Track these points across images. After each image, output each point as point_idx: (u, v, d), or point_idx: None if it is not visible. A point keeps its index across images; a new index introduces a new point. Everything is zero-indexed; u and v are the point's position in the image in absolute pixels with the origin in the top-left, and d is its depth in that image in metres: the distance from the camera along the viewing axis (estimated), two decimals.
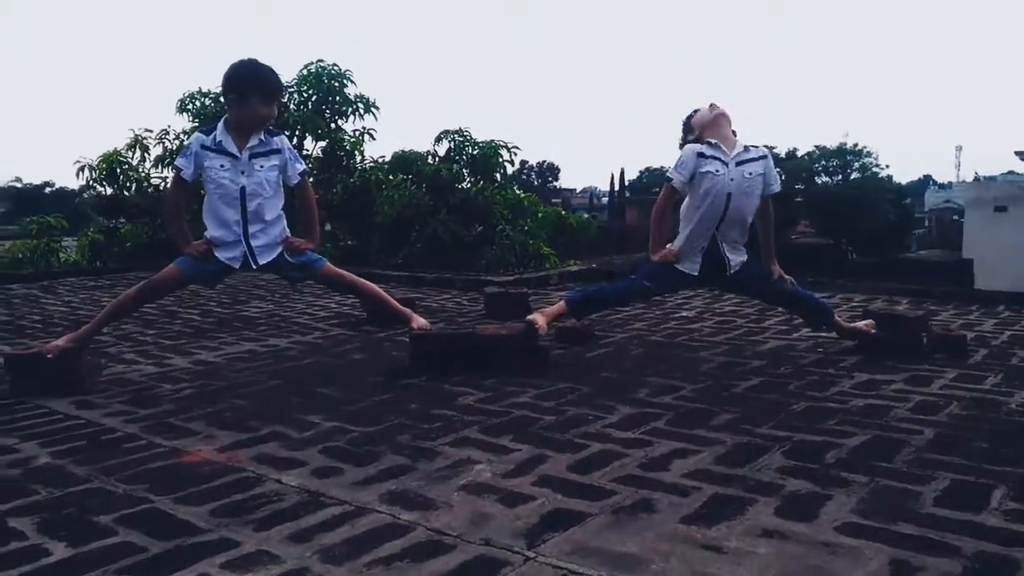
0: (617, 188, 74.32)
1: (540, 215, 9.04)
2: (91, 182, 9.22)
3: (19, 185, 78.44)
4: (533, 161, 74.58)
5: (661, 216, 3.84)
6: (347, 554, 1.79)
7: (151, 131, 9.42)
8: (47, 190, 75.69)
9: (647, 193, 69.82)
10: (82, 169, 9.23)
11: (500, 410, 2.96)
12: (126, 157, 9.33)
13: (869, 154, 49.93)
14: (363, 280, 4.03)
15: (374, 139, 10.19)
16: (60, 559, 1.79)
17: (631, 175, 79.84)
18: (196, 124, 9.46)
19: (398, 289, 6.81)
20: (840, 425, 2.69)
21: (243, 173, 3.50)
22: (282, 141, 3.62)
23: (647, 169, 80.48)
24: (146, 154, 9.39)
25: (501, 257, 7.80)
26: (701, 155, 3.69)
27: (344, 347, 4.31)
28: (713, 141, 3.70)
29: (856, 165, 49.04)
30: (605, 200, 78.54)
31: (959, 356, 3.74)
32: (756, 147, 3.79)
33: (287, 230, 3.72)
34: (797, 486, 2.14)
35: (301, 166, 3.70)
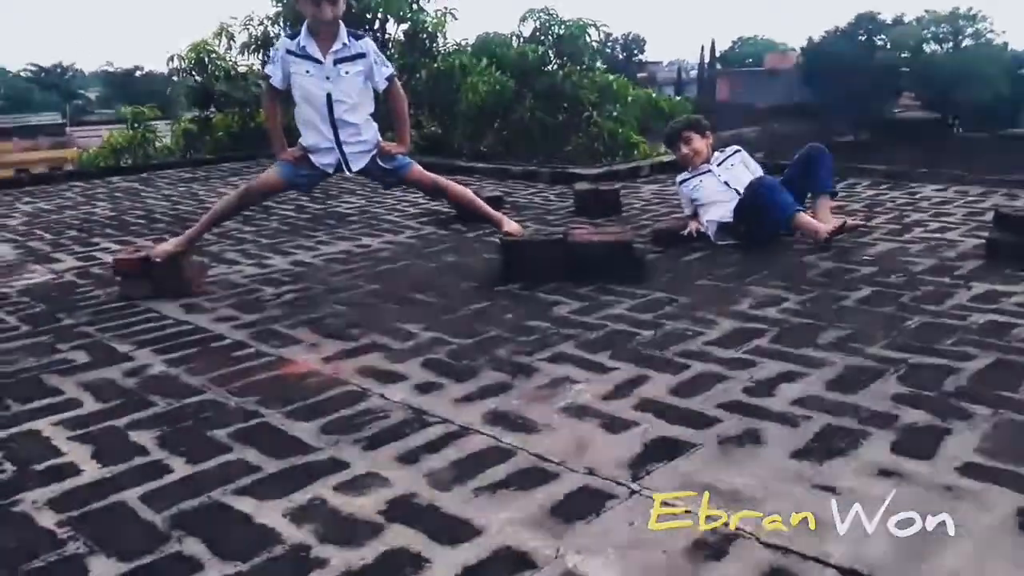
0: (708, 60, 70.91)
1: (630, 99, 8.68)
2: (181, 73, 9.30)
3: (110, 69, 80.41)
4: (618, 34, 71.38)
5: None
6: (454, 478, 1.82)
7: (235, 18, 9.38)
8: (137, 74, 77.48)
9: (740, 65, 66.52)
10: (171, 59, 9.31)
11: (596, 323, 2.92)
12: (213, 46, 9.34)
13: (984, 19, 45.82)
14: (453, 183, 3.96)
15: (456, 19, 9.88)
16: (182, 476, 1.88)
17: (722, 46, 75.90)
18: (280, 9, 9.35)
19: (484, 182, 6.74)
20: (959, 346, 2.54)
21: (328, 79, 3.42)
22: (367, 44, 3.49)
23: (740, 39, 76.27)
24: (232, 42, 9.37)
25: (588, 146, 7.58)
26: None
27: (436, 248, 4.31)
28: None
29: (969, 31, 45.18)
30: (694, 73, 75.15)
31: None
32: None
33: (379, 135, 3.66)
34: (915, 417, 2.05)
35: (388, 70, 3.59)
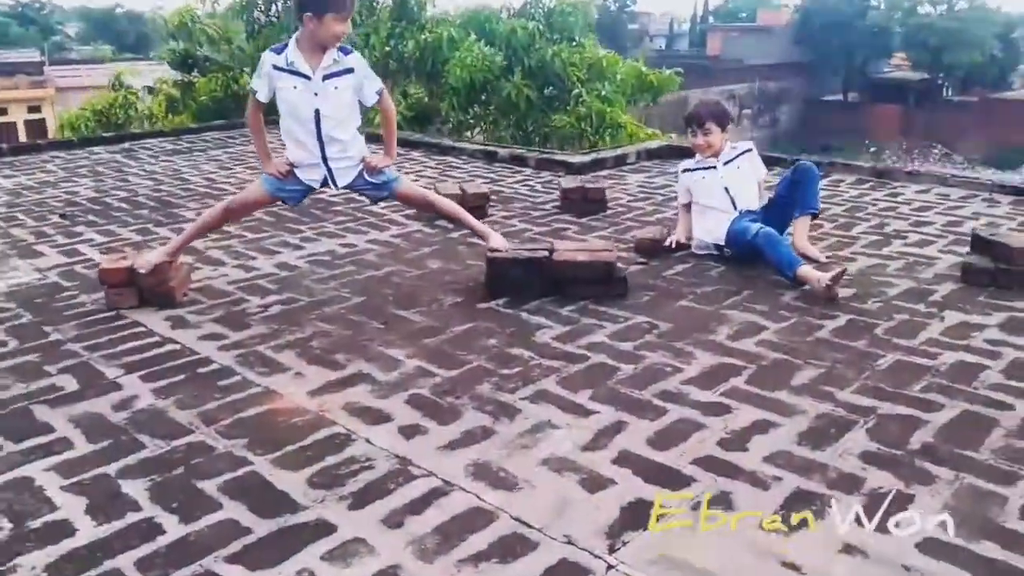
0: (700, 14, 69.95)
1: (619, 77, 8.61)
2: (165, 36, 9.13)
3: (90, 6, 78.23)
4: None
5: None
6: (438, 547, 1.90)
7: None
8: (117, 10, 75.44)
9: (733, 20, 65.68)
10: (154, 20, 9.11)
11: (577, 352, 2.98)
12: (196, 10, 9.15)
13: None
14: (442, 199, 3.97)
15: None
16: (174, 539, 1.94)
17: (716, 1, 74.77)
18: None
19: (471, 166, 6.73)
20: (928, 392, 2.63)
21: (316, 95, 3.39)
22: (356, 59, 3.45)
23: None
24: (216, 5, 9.19)
25: (576, 125, 7.55)
26: None
27: (420, 251, 4.34)
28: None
29: None
30: (686, 27, 74.18)
31: None
32: None
33: (365, 149, 3.65)
34: (880, 480, 2.14)
35: (377, 84, 3.55)
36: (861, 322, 3.24)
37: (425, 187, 5.22)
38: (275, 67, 3.39)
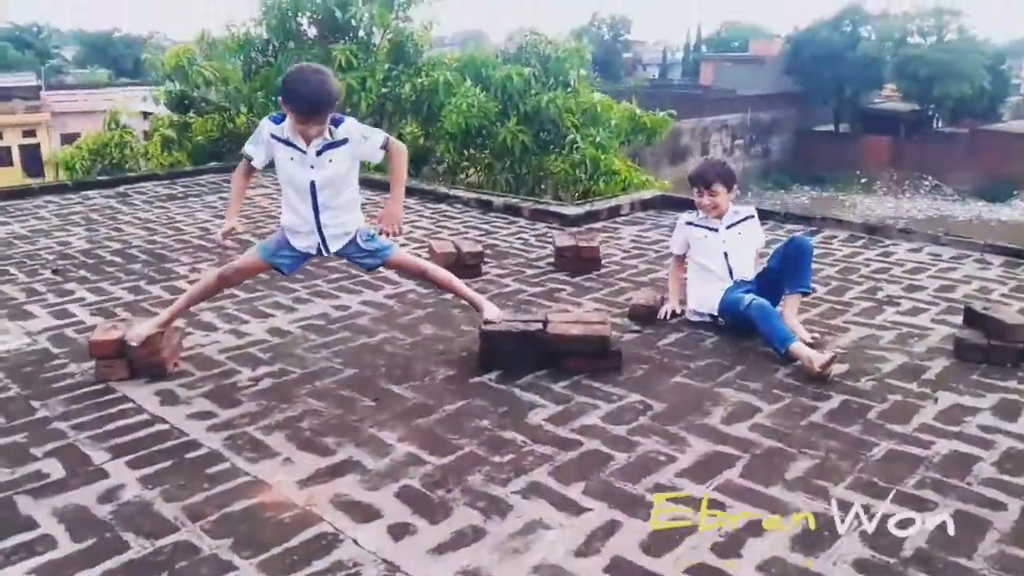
0: (693, 43, 70.68)
1: (613, 123, 8.67)
2: (160, 79, 9.18)
3: (88, 30, 78.73)
4: (604, 14, 70.84)
5: None
6: None
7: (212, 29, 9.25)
8: (115, 36, 75.91)
9: (726, 49, 66.29)
10: (151, 64, 9.17)
11: (571, 438, 2.96)
12: (194, 53, 9.20)
13: (969, 15, 45.98)
14: (436, 268, 3.96)
15: (441, 26, 9.85)
16: None
17: (709, 29, 75.68)
18: (263, 14, 9.21)
19: (465, 215, 6.74)
20: (921, 488, 2.61)
21: (312, 167, 3.39)
22: (348, 130, 3.42)
23: (726, 23, 76.01)
24: (212, 47, 9.24)
25: (570, 172, 7.58)
26: None
27: (414, 314, 4.32)
28: None
29: (953, 26, 45.30)
30: (679, 55, 74.90)
31: None
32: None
33: (361, 218, 3.64)
34: None
35: (379, 138, 3.45)
36: (855, 404, 3.22)
37: (417, 250, 5.24)
38: (273, 135, 3.38)
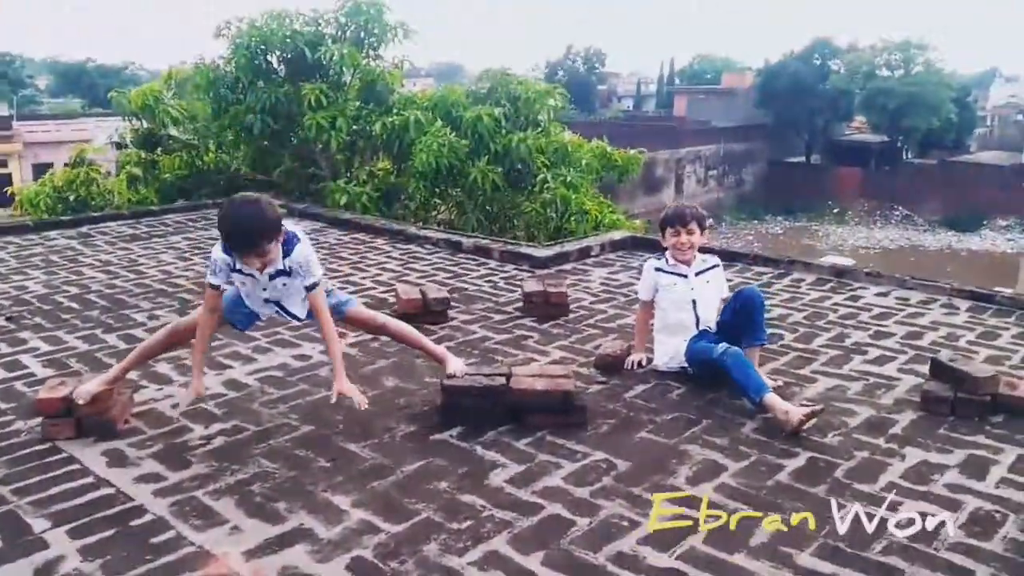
0: (667, 76, 71.67)
1: (584, 163, 8.68)
2: (126, 117, 9.07)
3: (61, 59, 78.36)
4: (579, 46, 71.78)
5: None
6: None
7: (185, 62, 9.19)
8: (89, 65, 75.59)
9: (698, 81, 67.28)
10: (118, 103, 9.08)
11: (531, 502, 2.87)
12: (160, 92, 9.12)
13: (934, 49, 47.05)
14: (394, 321, 3.88)
15: (413, 65, 9.85)
16: None
17: (682, 62, 76.85)
18: (233, 55, 9.16)
19: (435, 256, 6.67)
20: (888, 555, 2.55)
21: (265, 289, 3.35)
22: (296, 258, 3.25)
23: (699, 56, 77.27)
24: (178, 88, 9.18)
25: (541, 212, 7.56)
26: None
27: (377, 364, 4.24)
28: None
29: (920, 60, 46.34)
30: (653, 87, 75.92)
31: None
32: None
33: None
34: None
35: (311, 278, 3.30)
36: (822, 462, 3.17)
37: (384, 293, 5.18)
38: (226, 264, 3.25)
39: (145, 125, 9.33)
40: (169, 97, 9.22)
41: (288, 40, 8.77)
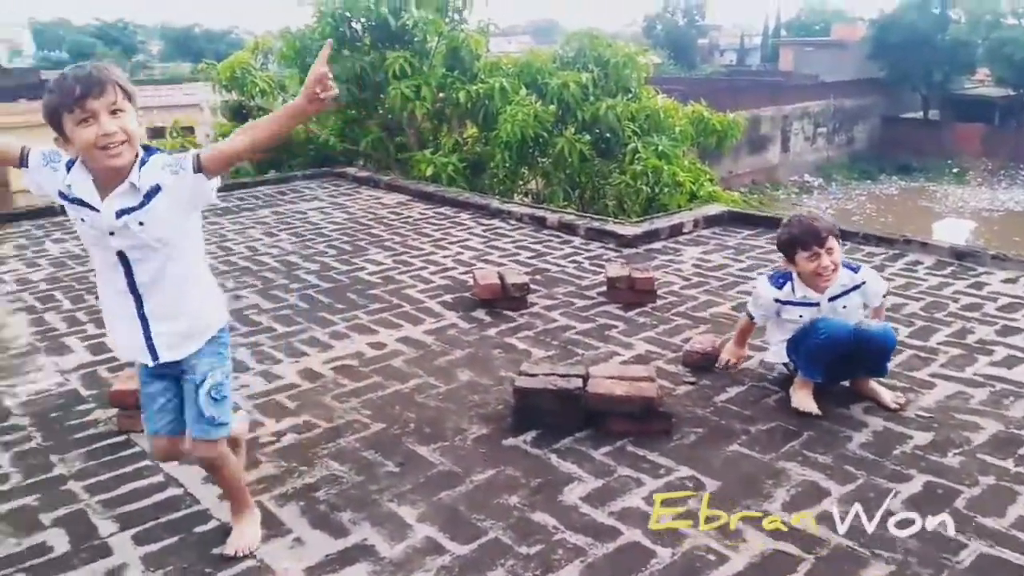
0: (772, 28, 68.44)
1: (678, 129, 8.23)
2: (216, 88, 9.17)
3: (171, 25, 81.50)
4: None
5: None
6: None
7: (270, 32, 9.18)
8: (196, 30, 78.36)
9: (806, 34, 63.90)
10: (207, 76, 9.17)
11: (608, 525, 2.65)
12: (248, 64, 9.16)
13: None
14: (232, 469, 2.62)
15: (498, 28, 9.58)
16: None
17: (788, 13, 73.17)
18: (318, 24, 9.08)
19: (519, 233, 6.45)
20: None
21: (112, 234, 2.26)
22: (154, 170, 2.23)
23: (807, 7, 73.28)
24: (268, 56, 9.18)
25: (632, 184, 7.20)
26: None
27: (452, 354, 4.07)
28: None
29: None
30: (757, 40, 72.68)
31: None
32: None
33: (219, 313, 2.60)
34: None
35: (188, 161, 2.21)
36: (940, 488, 2.82)
37: (463, 275, 4.99)
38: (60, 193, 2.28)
39: (235, 96, 9.42)
40: (257, 67, 9.26)
41: (371, 7, 8.61)
